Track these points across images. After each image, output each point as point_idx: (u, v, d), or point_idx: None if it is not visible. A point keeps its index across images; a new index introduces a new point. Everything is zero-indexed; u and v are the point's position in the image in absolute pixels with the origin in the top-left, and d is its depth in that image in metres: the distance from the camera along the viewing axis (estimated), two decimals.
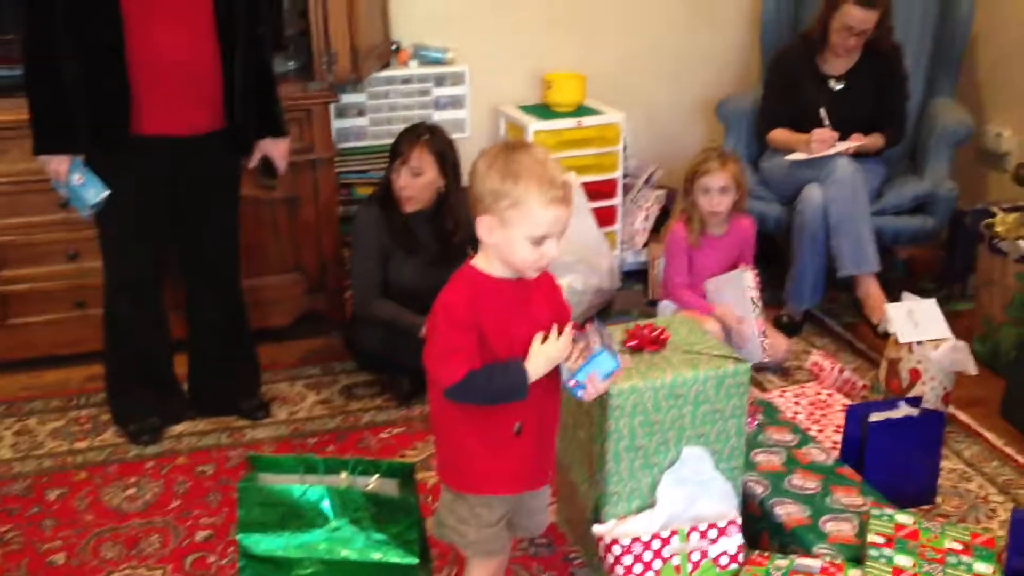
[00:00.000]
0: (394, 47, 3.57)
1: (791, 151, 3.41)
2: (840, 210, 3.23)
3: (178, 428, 2.77)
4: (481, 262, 1.70)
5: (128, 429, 2.72)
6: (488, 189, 1.62)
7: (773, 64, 3.60)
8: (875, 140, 3.43)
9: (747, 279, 3.01)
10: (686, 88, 4.02)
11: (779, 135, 3.50)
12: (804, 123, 3.40)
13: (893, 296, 3.07)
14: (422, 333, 2.70)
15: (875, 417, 2.39)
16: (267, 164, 2.69)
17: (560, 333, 1.69)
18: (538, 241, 1.62)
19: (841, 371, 2.94)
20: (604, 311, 3.54)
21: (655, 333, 2.15)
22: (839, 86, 3.45)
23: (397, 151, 2.86)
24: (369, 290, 2.90)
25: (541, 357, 1.67)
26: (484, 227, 1.65)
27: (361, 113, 3.53)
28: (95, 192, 2.41)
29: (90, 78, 2.33)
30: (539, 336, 1.68)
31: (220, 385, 2.81)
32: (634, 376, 2.02)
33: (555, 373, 1.74)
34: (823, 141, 3.32)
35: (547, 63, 3.78)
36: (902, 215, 3.42)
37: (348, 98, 3.45)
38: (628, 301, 3.64)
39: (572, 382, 1.70)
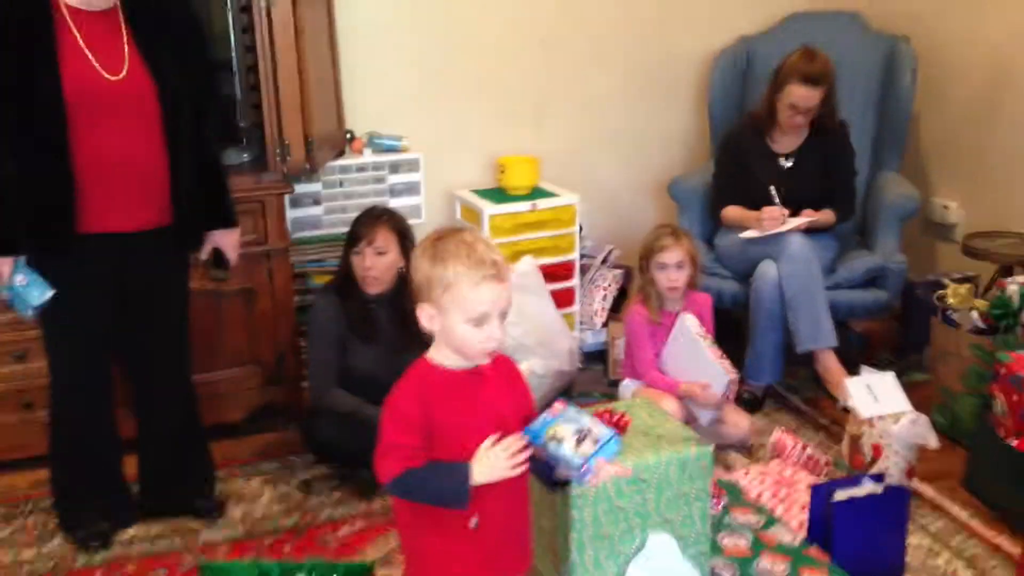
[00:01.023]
0: (348, 136, 3.59)
1: (744, 228, 3.45)
2: (795, 286, 3.26)
3: (129, 532, 2.68)
4: (433, 353, 1.69)
5: (76, 536, 2.62)
6: (422, 277, 1.65)
7: (723, 143, 3.66)
8: (826, 216, 3.49)
9: (687, 321, 3.03)
10: (639, 168, 4.08)
11: (731, 212, 3.55)
12: (756, 200, 3.46)
13: (851, 370, 3.08)
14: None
15: (840, 495, 2.37)
16: (218, 256, 2.67)
17: (510, 434, 1.63)
18: (477, 322, 1.61)
19: (804, 448, 2.92)
20: (565, 393, 3.51)
21: (615, 418, 2.13)
22: (788, 163, 3.52)
23: (357, 235, 2.87)
24: (326, 380, 2.87)
25: (485, 462, 1.61)
26: (425, 316, 1.66)
27: (316, 202, 3.53)
28: (39, 293, 2.36)
29: (32, 177, 2.30)
30: (490, 439, 1.63)
31: (172, 486, 2.73)
32: None
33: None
34: (773, 219, 3.37)
35: (500, 146, 3.82)
36: (855, 289, 3.46)
37: (303, 188, 3.45)
38: (589, 382, 3.62)
39: (584, 467, 1.62)
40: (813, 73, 3.34)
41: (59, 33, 2.30)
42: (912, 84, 3.72)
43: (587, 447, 1.62)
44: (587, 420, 1.65)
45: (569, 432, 1.62)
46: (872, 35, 3.87)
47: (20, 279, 2.35)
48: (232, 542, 2.63)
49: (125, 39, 2.37)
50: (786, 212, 3.37)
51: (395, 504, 1.74)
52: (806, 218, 3.39)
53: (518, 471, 1.60)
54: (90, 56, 2.31)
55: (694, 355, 3.02)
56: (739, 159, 3.55)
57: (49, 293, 2.36)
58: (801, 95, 3.37)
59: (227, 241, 2.65)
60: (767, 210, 3.38)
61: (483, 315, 1.61)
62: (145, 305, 2.54)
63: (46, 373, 2.56)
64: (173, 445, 2.70)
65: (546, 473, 1.70)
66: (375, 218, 2.89)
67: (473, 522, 1.67)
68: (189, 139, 2.46)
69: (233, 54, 3.14)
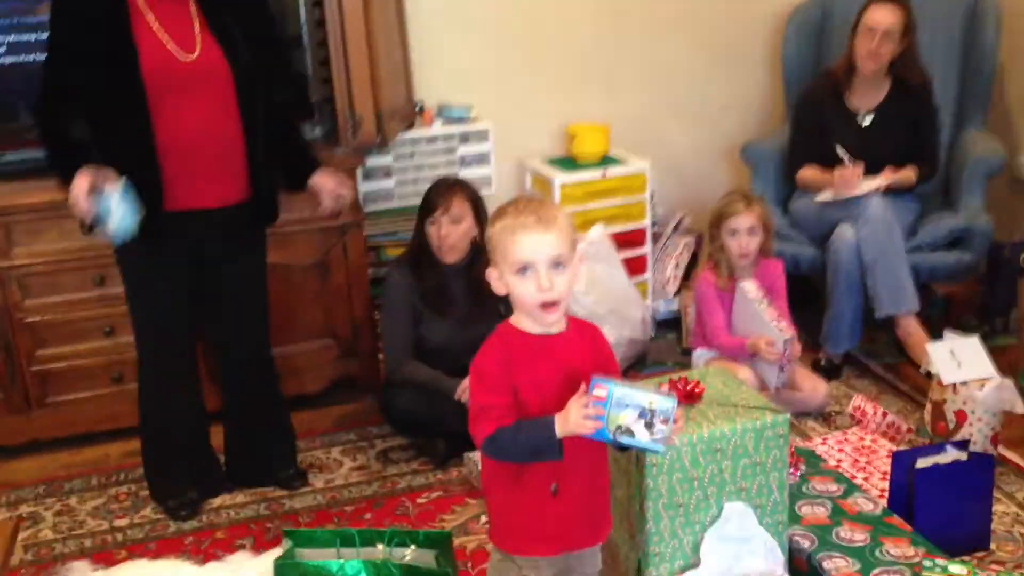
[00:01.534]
0: (418, 107, 3.60)
1: (820, 190, 3.37)
2: (874, 249, 3.18)
3: (216, 501, 2.77)
4: (514, 318, 1.73)
5: (167, 505, 2.72)
6: (487, 241, 1.73)
7: (799, 103, 3.57)
8: (906, 175, 3.38)
9: (745, 287, 2.99)
10: (710, 133, 4.01)
11: (807, 174, 3.46)
12: (833, 161, 3.37)
13: (934, 334, 3.01)
14: (458, 395, 2.69)
15: (922, 463, 2.33)
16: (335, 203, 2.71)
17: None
18: (522, 271, 1.64)
19: (884, 415, 2.87)
20: (639, 362, 3.51)
21: (690, 387, 2.11)
22: (866, 122, 3.42)
23: (432, 204, 2.88)
24: (401, 353, 2.90)
25: (566, 415, 1.61)
26: (492, 278, 1.71)
27: (388, 175, 3.56)
28: (132, 211, 2.28)
29: (118, 160, 2.36)
30: (579, 392, 1.62)
31: (256, 456, 2.81)
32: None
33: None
34: (846, 181, 3.27)
35: (570, 115, 3.79)
36: (938, 251, 3.37)
37: (374, 160, 3.48)
38: (662, 351, 3.60)
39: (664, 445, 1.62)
40: None
41: (133, 19, 2.36)
42: (996, 37, 3.57)
43: (659, 427, 1.60)
44: (641, 396, 1.60)
45: (633, 418, 1.59)
46: None
47: (116, 198, 2.27)
48: (315, 510, 2.71)
49: (196, 20, 2.41)
50: (859, 172, 3.27)
51: (483, 467, 1.79)
52: (883, 179, 3.29)
53: (588, 429, 1.59)
54: (164, 38, 2.37)
55: (753, 319, 2.98)
56: (816, 118, 3.45)
57: (127, 222, 2.28)
58: (878, 17, 3.25)
59: (334, 180, 2.68)
60: (840, 172, 3.29)
61: (524, 263, 1.64)
62: (226, 280, 2.60)
63: (134, 347, 2.65)
64: (255, 417, 2.77)
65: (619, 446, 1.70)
66: (449, 187, 2.90)
67: (553, 488, 1.70)
68: (264, 114, 2.51)
69: (303, 29, 3.17)
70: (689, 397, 2.10)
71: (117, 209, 2.27)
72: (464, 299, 2.89)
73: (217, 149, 2.45)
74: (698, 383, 2.13)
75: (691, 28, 3.89)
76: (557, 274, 1.64)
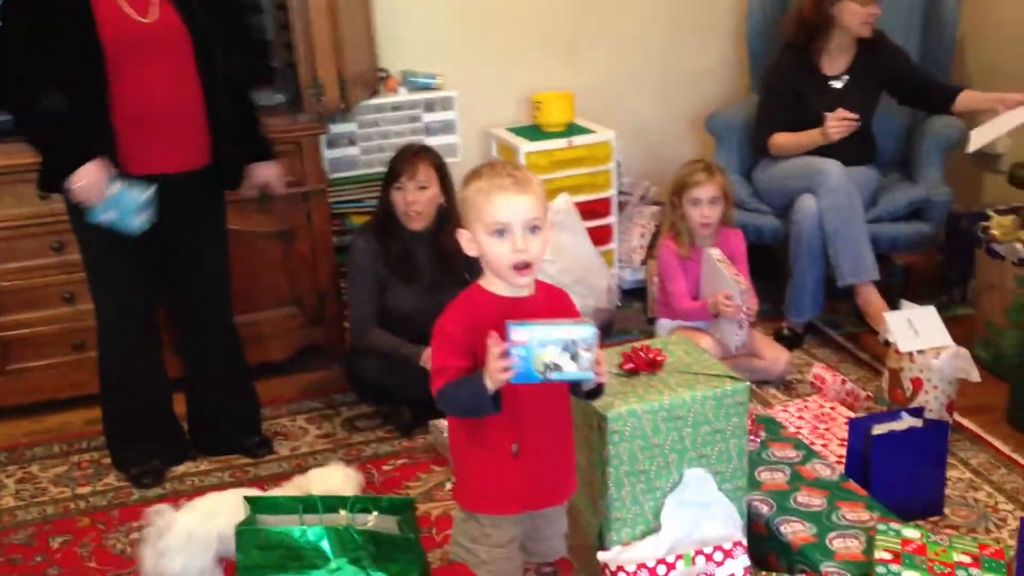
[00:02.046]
0: (382, 75, 3.57)
1: (796, 153, 3.37)
2: (836, 219, 3.21)
3: (180, 469, 2.76)
4: (483, 280, 1.75)
5: (130, 473, 2.71)
6: (459, 203, 1.74)
7: (770, 73, 3.56)
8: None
9: (712, 253, 3.02)
10: (675, 103, 4.02)
11: (782, 139, 3.43)
12: (809, 127, 3.37)
13: (892, 304, 3.05)
14: (423, 362, 2.70)
15: (878, 430, 2.37)
16: (263, 191, 2.71)
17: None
18: (498, 232, 1.65)
19: (844, 383, 2.92)
20: (604, 331, 3.52)
21: (651, 355, 2.13)
22: (840, 84, 3.44)
23: (398, 170, 2.87)
24: (366, 321, 2.90)
25: (488, 367, 1.60)
26: (464, 240, 1.72)
27: (352, 142, 3.53)
28: (140, 191, 2.36)
29: (75, 122, 2.33)
30: (492, 341, 1.61)
31: (220, 424, 2.80)
32: (631, 400, 2.01)
33: (556, 395, 1.74)
34: (840, 124, 3.25)
35: (536, 84, 3.78)
36: (897, 221, 3.41)
37: (338, 128, 3.45)
38: (628, 320, 3.63)
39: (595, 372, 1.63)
40: None
41: None
42: (957, 7, 3.60)
43: (583, 356, 1.61)
44: (560, 331, 1.60)
45: (557, 353, 1.60)
46: None
47: (119, 185, 2.35)
48: (280, 478, 2.70)
49: None
50: (848, 113, 3.26)
51: (449, 428, 1.82)
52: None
53: (505, 376, 1.59)
54: (120, 2, 2.33)
55: (715, 280, 3.01)
56: (789, 87, 3.45)
57: (151, 188, 2.38)
58: None
59: (271, 173, 2.69)
60: (831, 115, 3.26)
61: (501, 224, 1.65)
62: (187, 244, 2.58)
63: (95, 314, 2.63)
64: (218, 385, 2.76)
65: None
66: (415, 153, 2.89)
67: (514, 448, 1.73)
68: (223, 78, 2.48)
69: None
70: (651, 365, 2.12)
71: (127, 197, 2.36)
72: (430, 266, 2.89)
73: (177, 113, 2.42)
74: (660, 351, 2.15)
75: None
76: (532, 237, 1.66)
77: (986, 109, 3.27)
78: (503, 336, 1.60)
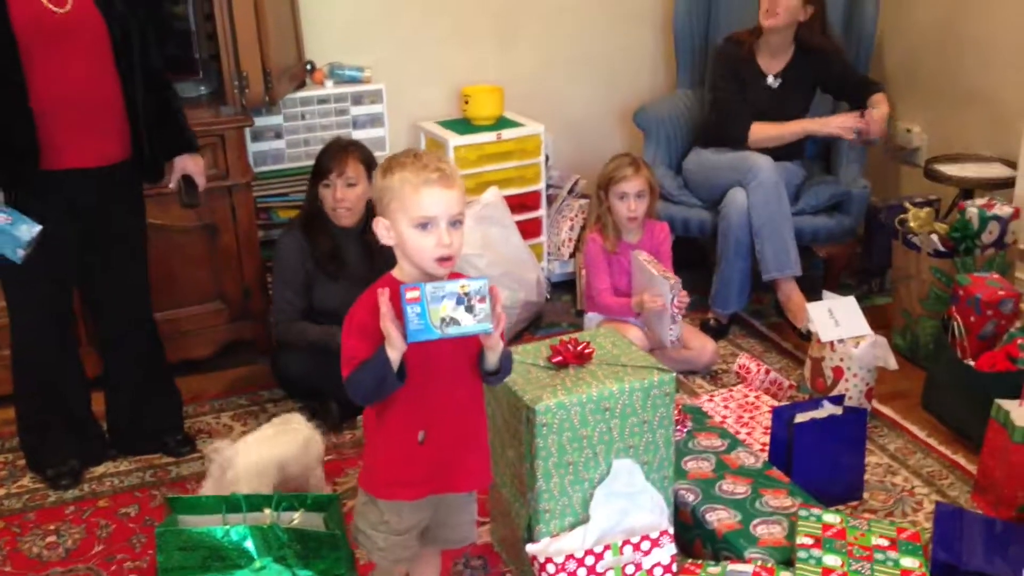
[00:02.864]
0: (309, 67, 3.52)
1: (777, 145, 3.41)
2: (764, 213, 3.26)
3: (99, 469, 2.69)
4: (396, 270, 1.74)
5: (46, 474, 2.63)
6: (376, 191, 1.71)
7: (717, 64, 3.56)
8: (884, 104, 3.39)
9: (639, 255, 3.06)
10: (605, 96, 4.05)
11: (767, 129, 3.42)
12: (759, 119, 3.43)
13: (814, 294, 3.12)
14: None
15: (800, 418, 2.42)
16: (187, 183, 2.62)
17: None
18: (422, 225, 1.65)
19: (768, 372, 2.98)
20: (533, 324, 3.54)
21: (579, 348, 2.15)
22: (776, 83, 3.49)
23: (326, 167, 2.84)
24: (292, 315, 2.87)
25: (385, 331, 1.60)
26: (381, 229, 1.71)
27: (278, 135, 3.47)
28: (27, 228, 2.27)
29: None
30: (382, 298, 1.62)
31: (141, 422, 2.74)
32: (560, 392, 2.01)
33: (464, 381, 1.74)
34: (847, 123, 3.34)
35: (464, 77, 3.77)
36: (819, 214, 3.48)
37: (263, 121, 3.38)
38: (557, 313, 3.65)
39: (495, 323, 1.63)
40: None
41: None
42: (876, 7, 3.69)
43: (479, 307, 1.62)
44: (451, 285, 1.61)
45: (452, 307, 1.61)
46: None
47: (3, 218, 2.26)
48: (203, 476, 2.64)
49: None
50: (857, 115, 3.33)
51: (364, 417, 1.81)
52: (882, 109, 3.34)
53: (398, 332, 1.59)
54: None
55: (644, 280, 3.04)
56: (737, 76, 3.47)
57: (37, 228, 2.28)
58: None
59: (193, 166, 2.61)
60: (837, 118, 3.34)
61: (427, 219, 1.64)
62: (104, 242, 2.52)
63: (6, 312, 2.54)
64: (138, 383, 2.70)
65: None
66: (343, 149, 2.86)
67: (421, 436, 1.73)
68: (142, 69, 2.42)
69: None
70: (579, 358, 2.13)
71: (11, 232, 2.26)
72: (358, 262, 2.86)
73: (93, 106, 2.36)
74: (588, 344, 2.16)
75: None
76: (455, 231, 1.67)
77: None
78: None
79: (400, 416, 1.72)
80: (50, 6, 2.27)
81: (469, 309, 1.61)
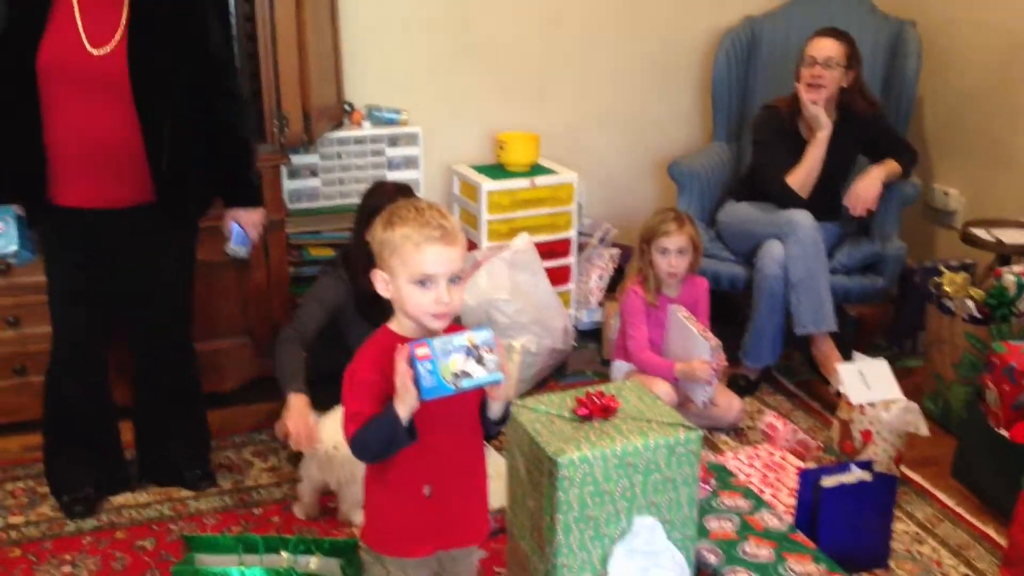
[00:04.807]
0: (347, 108, 3.56)
1: (814, 178, 3.37)
2: (801, 267, 3.23)
3: (118, 499, 2.69)
4: (393, 323, 1.73)
5: (62, 500, 2.63)
6: (376, 243, 1.70)
7: (760, 127, 3.53)
8: (892, 166, 3.39)
9: (678, 311, 3.03)
10: (639, 148, 4.06)
11: (798, 174, 3.37)
12: None
13: (845, 354, 3.08)
14: (288, 404, 2.60)
15: (828, 482, 2.38)
16: (242, 232, 2.60)
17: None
18: (422, 282, 1.64)
19: (795, 432, 2.93)
20: (558, 371, 3.52)
21: (604, 401, 2.12)
22: None
23: (377, 209, 2.76)
24: (303, 334, 2.77)
25: (396, 389, 1.60)
26: (379, 282, 1.70)
27: (313, 174, 3.51)
28: (4, 242, 2.36)
29: (8, 146, 2.29)
30: (400, 358, 1.62)
31: (166, 455, 2.74)
32: (583, 446, 1.99)
33: (467, 432, 1.73)
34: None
35: (501, 123, 3.80)
36: (853, 274, 3.45)
37: (300, 159, 3.43)
38: (582, 361, 3.62)
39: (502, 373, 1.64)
40: (826, 28, 3.34)
41: (55, 2, 2.25)
42: (917, 69, 3.68)
43: (488, 358, 1.62)
44: (458, 338, 1.62)
45: (462, 360, 1.61)
46: (878, 18, 3.83)
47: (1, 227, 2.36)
48: (221, 512, 2.65)
49: (124, 12, 2.29)
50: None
51: (366, 473, 1.79)
52: (887, 170, 3.34)
53: (412, 391, 1.58)
54: (80, 27, 2.25)
55: (683, 338, 3.02)
56: (778, 137, 3.45)
57: (12, 248, 2.36)
58: (817, 45, 3.32)
59: (247, 219, 2.57)
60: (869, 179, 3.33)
61: (427, 276, 1.64)
62: (137, 278, 2.53)
63: (40, 339, 2.56)
64: (167, 415, 2.71)
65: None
66: (397, 191, 2.79)
67: (427, 490, 1.71)
68: (182, 118, 2.37)
69: (232, 22, 3.10)
70: (604, 411, 2.11)
71: (16, 240, 2.36)
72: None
73: (109, 150, 2.31)
74: (613, 397, 2.14)
75: (624, 43, 3.93)
76: (455, 288, 1.67)
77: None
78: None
79: (405, 471, 1.70)
80: (88, 46, 2.25)
81: (479, 360, 1.61)
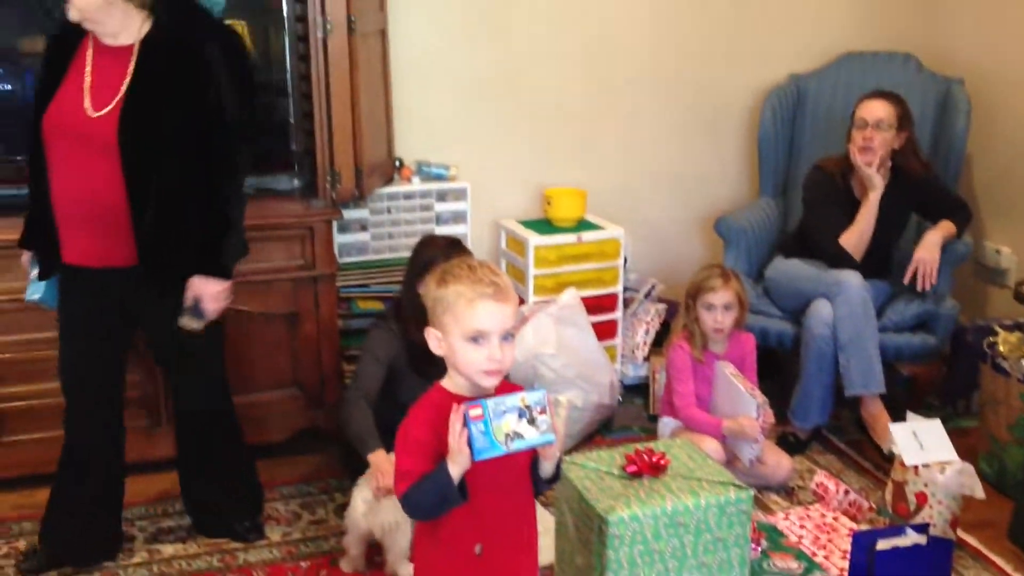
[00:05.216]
0: (397, 163, 3.63)
1: (867, 240, 3.36)
2: (850, 328, 3.20)
3: (168, 550, 2.71)
4: (446, 381, 1.75)
5: (23, 551, 2.65)
6: (429, 300, 1.72)
7: (811, 183, 3.52)
8: (948, 227, 3.38)
9: (725, 367, 3.01)
10: (684, 203, 4.08)
11: (851, 236, 3.36)
12: None
13: (897, 414, 3.04)
14: (370, 459, 2.61)
15: (883, 544, 2.34)
16: (197, 305, 2.44)
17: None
18: (475, 339, 1.65)
19: (847, 492, 2.88)
20: (605, 426, 3.50)
21: (654, 459, 2.12)
22: None
23: (430, 262, 2.71)
24: (365, 392, 2.80)
25: (450, 450, 1.61)
26: (432, 340, 1.72)
27: (363, 228, 3.56)
28: (32, 290, 2.51)
29: (31, 201, 2.44)
30: (454, 419, 1.63)
31: (210, 505, 2.75)
32: (634, 504, 1.98)
33: (518, 489, 1.73)
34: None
35: (548, 178, 3.84)
36: (904, 332, 3.41)
37: (350, 213, 3.48)
38: (629, 416, 3.60)
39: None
40: (876, 90, 3.35)
41: (73, 63, 2.34)
42: (966, 126, 3.67)
43: (540, 419, 1.63)
44: (511, 399, 1.63)
45: (515, 421, 1.62)
46: (926, 76, 3.84)
47: (33, 274, 2.50)
48: (270, 564, 2.66)
49: (128, 75, 2.32)
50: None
51: (415, 531, 1.80)
52: (936, 238, 3.32)
53: (466, 453, 1.60)
54: (86, 88, 2.32)
55: (730, 395, 3.00)
56: (831, 196, 3.43)
57: (36, 296, 2.50)
58: (868, 107, 3.33)
59: (204, 290, 2.42)
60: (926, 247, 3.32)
61: (480, 332, 1.65)
62: (152, 335, 2.57)
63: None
64: (206, 467, 2.70)
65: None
66: (451, 246, 2.81)
67: (478, 548, 1.71)
68: (170, 183, 2.34)
69: (288, 81, 3.20)
70: (654, 469, 2.10)
71: (38, 289, 2.51)
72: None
73: (99, 210, 2.34)
74: (663, 455, 2.14)
75: (670, 100, 3.97)
76: (507, 345, 1.68)
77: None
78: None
79: (455, 529, 1.70)
80: (89, 108, 2.30)
81: (531, 421, 1.63)
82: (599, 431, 3.46)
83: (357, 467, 2.89)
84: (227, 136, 2.40)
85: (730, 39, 3.98)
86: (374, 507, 2.51)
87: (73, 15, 2.28)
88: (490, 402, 1.61)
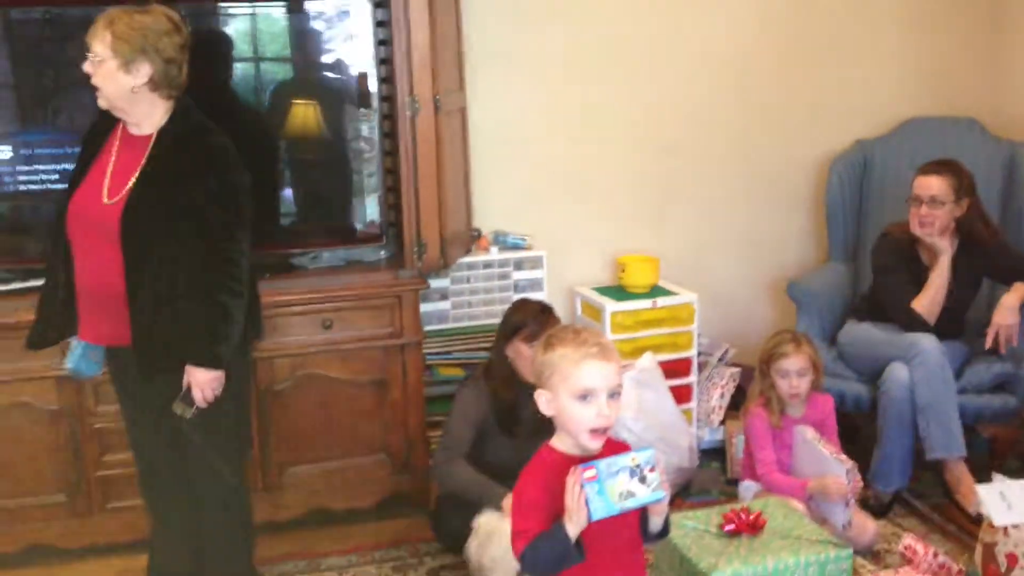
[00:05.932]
0: (476, 234, 3.76)
1: (940, 303, 3.38)
2: (928, 392, 3.22)
3: None
4: (556, 440, 1.83)
5: None
6: (538, 364, 1.82)
7: (880, 250, 3.56)
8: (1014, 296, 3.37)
9: (805, 432, 3.02)
10: (755, 269, 4.14)
11: (924, 301, 3.38)
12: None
13: (979, 475, 3.03)
14: (504, 505, 2.71)
15: None
16: (188, 390, 2.42)
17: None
18: (583, 397, 1.74)
19: (936, 555, 2.87)
20: (683, 490, 3.53)
21: (752, 517, 2.16)
22: None
23: (521, 325, 2.91)
24: (456, 451, 2.91)
25: (568, 510, 1.68)
26: (542, 401, 1.81)
27: (444, 297, 3.68)
28: (68, 360, 2.55)
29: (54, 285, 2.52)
30: (571, 481, 1.70)
31: None
32: (735, 561, 2.03)
33: (627, 548, 1.79)
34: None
35: (620, 246, 3.94)
36: (983, 394, 3.41)
37: (431, 282, 3.60)
38: (706, 480, 3.62)
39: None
40: (931, 162, 3.39)
41: (103, 150, 2.45)
42: None
43: (651, 477, 1.70)
44: (623, 459, 1.70)
45: (627, 480, 1.69)
46: (991, 141, 3.89)
47: (74, 346, 2.55)
48: None
49: (141, 164, 2.38)
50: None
51: None
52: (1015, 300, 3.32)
53: (584, 513, 1.66)
54: (107, 177, 2.41)
55: (814, 459, 3.01)
56: (900, 266, 3.47)
57: (68, 366, 2.54)
58: (922, 184, 3.36)
59: (194, 377, 2.39)
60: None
61: (587, 390, 1.74)
62: (138, 413, 2.58)
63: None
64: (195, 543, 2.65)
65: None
66: (541, 311, 2.94)
67: None
68: (165, 269, 2.37)
69: (376, 154, 3.33)
70: (753, 527, 2.15)
71: (71, 359, 2.54)
72: (531, 418, 2.95)
73: (102, 294, 2.41)
74: (760, 514, 2.18)
75: (739, 167, 4.07)
76: (613, 402, 1.77)
77: None
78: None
79: None
80: (104, 195, 2.38)
81: (642, 480, 1.70)
82: (678, 494, 3.49)
83: (447, 530, 2.97)
84: (225, 224, 2.40)
85: (797, 106, 4.08)
86: (489, 533, 2.61)
87: (101, 103, 2.39)
88: (603, 463, 1.69)
